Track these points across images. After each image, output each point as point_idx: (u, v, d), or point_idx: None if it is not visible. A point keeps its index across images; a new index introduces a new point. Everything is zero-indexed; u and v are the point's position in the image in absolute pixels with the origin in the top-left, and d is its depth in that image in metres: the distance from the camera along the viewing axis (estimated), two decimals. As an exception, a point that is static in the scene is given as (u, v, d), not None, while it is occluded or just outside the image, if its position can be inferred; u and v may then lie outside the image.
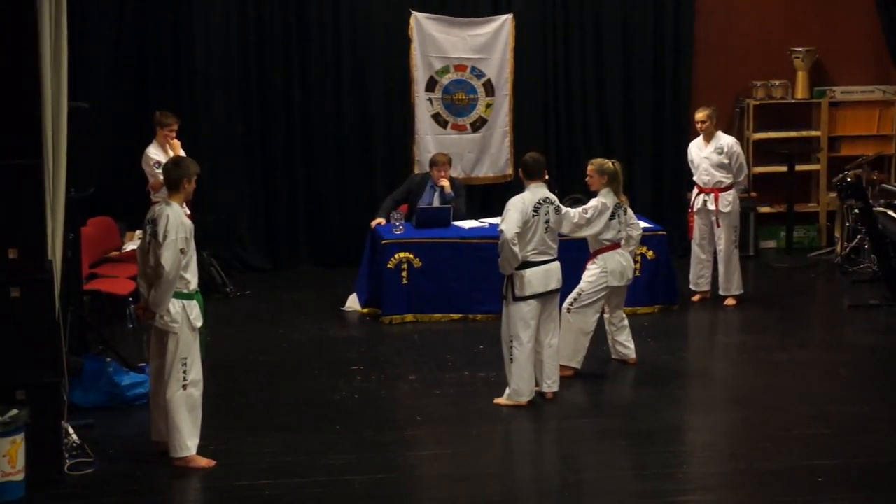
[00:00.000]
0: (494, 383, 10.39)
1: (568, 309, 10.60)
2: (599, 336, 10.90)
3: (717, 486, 8.61)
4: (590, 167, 10.81)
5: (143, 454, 9.02)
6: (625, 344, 11.08)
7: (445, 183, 13.19)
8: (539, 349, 10.08)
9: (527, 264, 9.88)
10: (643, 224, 12.38)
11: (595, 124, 15.32)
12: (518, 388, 10.01)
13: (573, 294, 10.65)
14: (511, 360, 9.98)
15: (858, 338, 12.09)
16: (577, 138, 15.26)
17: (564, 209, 10.32)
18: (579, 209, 10.59)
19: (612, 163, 10.76)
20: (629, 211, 10.83)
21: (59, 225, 8.76)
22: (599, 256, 10.67)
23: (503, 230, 9.81)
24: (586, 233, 10.62)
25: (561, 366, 10.41)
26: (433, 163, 13.39)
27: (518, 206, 9.87)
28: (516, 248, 9.78)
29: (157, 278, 8.60)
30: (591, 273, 10.67)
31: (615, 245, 10.70)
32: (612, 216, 10.61)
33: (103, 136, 11.88)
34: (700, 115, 13.11)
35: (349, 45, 14.74)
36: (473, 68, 14.84)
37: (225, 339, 11.71)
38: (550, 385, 10.20)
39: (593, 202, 10.69)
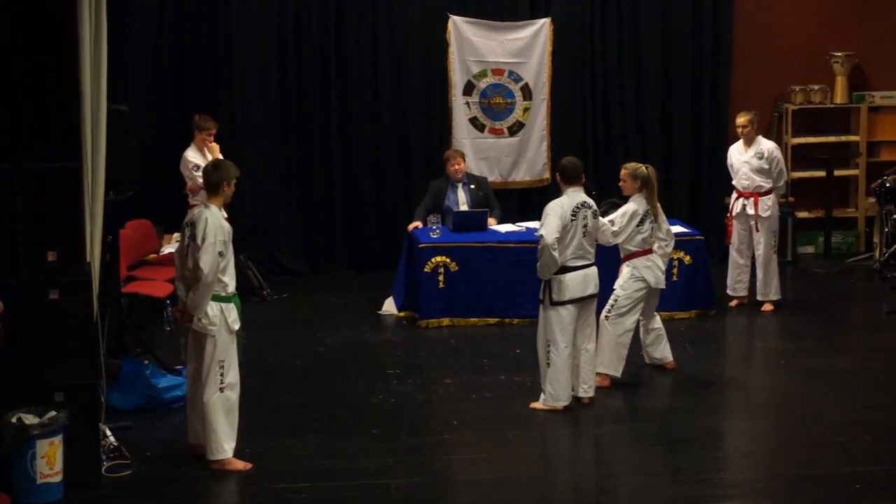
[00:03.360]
0: (531, 388, 10.37)
1: (606, 317, 10.57)
2: (636, 341, 10.86)
3: (754, 492, 8.58)
4: (623, 171, 10.74)
5: (180, 456, 9.06)
6: (661, 350, 11.04)
7: (460, 167, 13.22)
8: (576, 354, 10.06)
9: (565, 269, 9.86)
10: (680, 228, 12.38)
11: (633, 128, 15.25)
12: (555, 393, 9.99)
13: (610, 302, 10.62)
14: (548, 364, 9.96)
15: (897, 344, 12.04)
16: (615, 142, 15.21)
17: (602, 220, 10.29)
18: (607, 220, 10.52)
19: (646, 168, 10.70)
20: (661, 217, 10.75)
21: (97, 227, 8.81)
22: (629, 262, 10.64)
23: (543, 235, 9.79)
24: (619, 241, 10.59)
25: (598, 374, 10.40)
26: (445, 160, 13.44)
27: (557, 211, 9.84)
28: (556, 253, 9.76)
29: (196, 281, 8.63)
30: (624, 279, 10.64)
31: (645, 251, 10.64)
32: (641, 222, 10.57)
33: (142, 139, 11.92)
34: (741, 119, 13.04)
35: (387, 48, 14.74)
36: (511, 72, 14.83)
37: (262, 343, 11.73)
38: (586, 390, 10.17)
39: (621, 209, 10.67)
